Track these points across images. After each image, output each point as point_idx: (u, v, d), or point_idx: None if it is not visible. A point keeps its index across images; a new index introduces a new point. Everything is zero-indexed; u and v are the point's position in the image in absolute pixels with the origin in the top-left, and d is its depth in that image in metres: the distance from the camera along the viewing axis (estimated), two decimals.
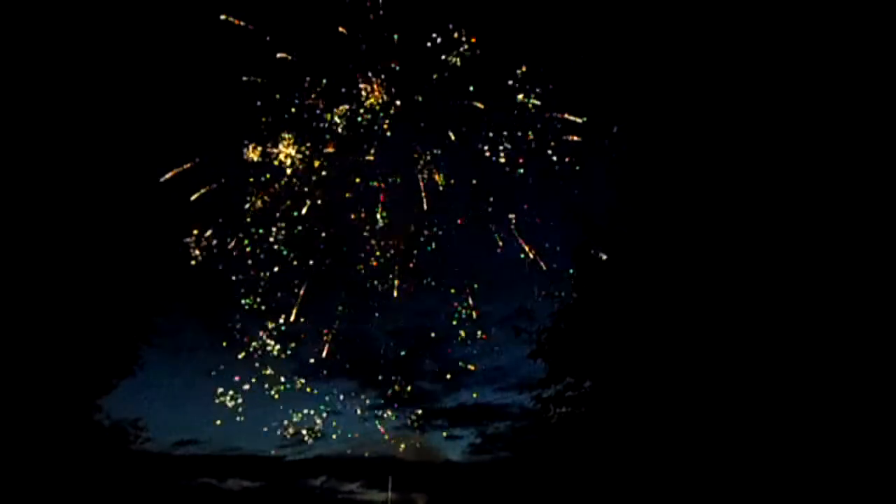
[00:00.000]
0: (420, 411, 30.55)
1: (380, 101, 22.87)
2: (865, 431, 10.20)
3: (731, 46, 12.37)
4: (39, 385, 14.00)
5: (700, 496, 11.79)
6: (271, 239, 23.81)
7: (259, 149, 22.02)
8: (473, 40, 21.19)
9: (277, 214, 23.22)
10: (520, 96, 21.90)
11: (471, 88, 22.38)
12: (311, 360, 32.00)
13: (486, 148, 23.54)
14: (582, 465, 15.02)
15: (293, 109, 22.04)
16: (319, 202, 23.65)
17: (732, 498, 11.32)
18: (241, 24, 20.68)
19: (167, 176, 18.24)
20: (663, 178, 13.18)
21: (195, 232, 20.54)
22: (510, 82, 21.79)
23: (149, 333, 16.35)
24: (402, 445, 27.92)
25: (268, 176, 22.81)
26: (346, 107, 22.65)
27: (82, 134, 15.02)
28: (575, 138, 23.02)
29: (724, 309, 11.81)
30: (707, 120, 12.49)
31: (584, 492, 14.93)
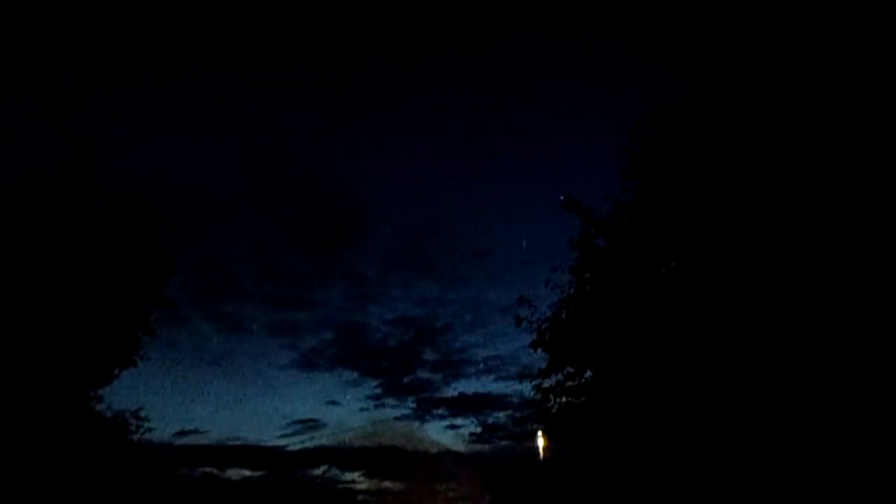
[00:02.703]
0: (420, 401, 30.67)
1: None
2: (865, 431, 10.22)
3: (738, 42, 12.35)
4: (41, 377, 14.04)
5: (700, 487, 11.84)
6: None
7: None
8: None
9: None
10: None
11: None
12: (312, 350, 32.10)
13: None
14: (582, 454, 15.09)
15: None
16: None
17: (732, 488, 11.36)
18: None
19: None
20: (666, 167, 13.15)
21: None
22: None
23: (148, 324, 16.36)
24: (385, 433, 28.05)
25: None
26: None
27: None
28: None
29: (726, 299, 11.82)
30: (712, 111, 12.47)
31: (587, 482, 15.01)
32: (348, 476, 28.65)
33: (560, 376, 14.58)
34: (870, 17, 10.92)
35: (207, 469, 26.75)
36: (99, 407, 16.19)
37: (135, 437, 16.77)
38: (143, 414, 16.88)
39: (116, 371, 16.08)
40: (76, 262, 14.43)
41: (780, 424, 10.89)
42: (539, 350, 14.72)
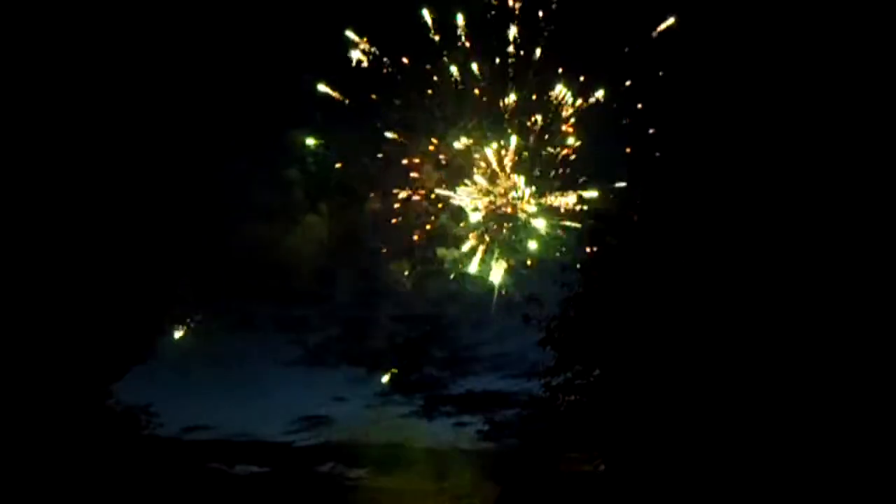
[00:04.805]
0: (427, 398, 30.66)
1: None
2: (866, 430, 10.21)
3: (741, 43, 12.35)
4: (56, 372, 14.20)
5: (706, 486, 11.81)
6: None
7: None
8: None
9: None
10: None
11: None
12: (318, 347, 32.15)
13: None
14: (591, 452, 15.08)
15: None
16: None
17: (739, 487, 11.33)
18: None
19: None
20: (674, 167, 13.15)
21: None
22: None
23: (162, 322, 16.55)
24: (392, 430, 27.98)
25: None
26: None
27: (117, 130, 15.25)
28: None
29: (734, 299, 11.79)
30: (719, 110, 12.46)
31: (592, 480, 15.00)
32: (354, 473, 28.54)
33: (568, 374, 14.57)
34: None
35: (215, 465, 26.76)
36: (109, 402, 16.36)
37: (145, 432, 16.96)
38: (152, 409, 17.09)
39: (128, 367, 16.26)
40: (96, 262, 14.63)
41: (791, 425, 10.87)
42: (548, 348, 14.74)
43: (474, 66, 23.79)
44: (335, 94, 23.70)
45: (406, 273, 26.39)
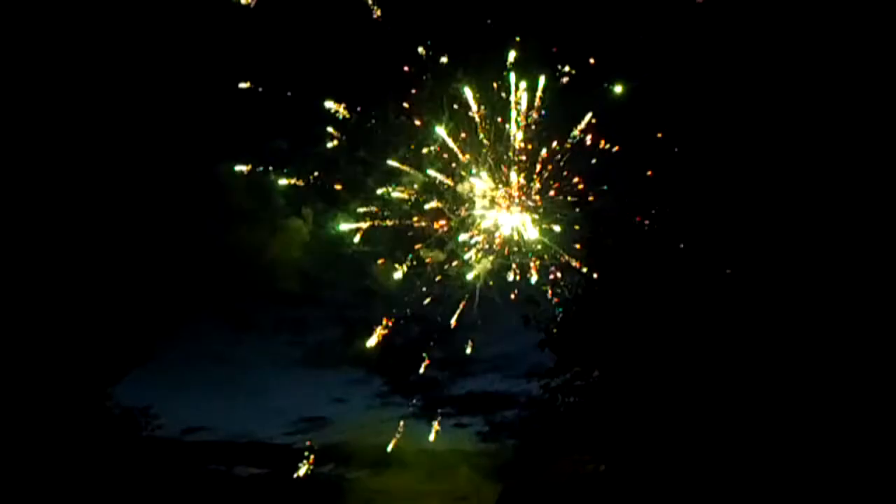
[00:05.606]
0: (426, 399, 30.63)
1: None
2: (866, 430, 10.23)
3: (741, 45, 12.38)
4: (56, 375, 14.24)
5: (705, 486, 11.83)
6: None
7: None
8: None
9: None
10: None
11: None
12: (318, 348, 32.09)
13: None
14: (590, 453, 15.10)
15: None
16: None
17: (738, 486, 11.35)
18: None
19: None
20: (674, 169, 13.17)
21: None
22: None
23: (169, 328, 16.66)
24: (391, 431, 27.97)
25: None
26: None
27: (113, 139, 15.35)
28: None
29: (734, 301, 11.81)
30: (719, 113, 12.48)
31: (592, 481, 15.01)
32: (354, 474, 28.53)
33: (567, 376, 14.58)
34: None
35: (214, 466, 26.75)
36: (109, 404, 16.38)
37: (144, 434, 16.98)
38: (152, 411, 17.11)
39: (128, 369, 16.31)
40: (93, 264, 14.71)
41: (789, 424, 10.89)
42: (547, 349, 14.74)
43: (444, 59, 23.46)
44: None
45: (396, 274, 26.43)
